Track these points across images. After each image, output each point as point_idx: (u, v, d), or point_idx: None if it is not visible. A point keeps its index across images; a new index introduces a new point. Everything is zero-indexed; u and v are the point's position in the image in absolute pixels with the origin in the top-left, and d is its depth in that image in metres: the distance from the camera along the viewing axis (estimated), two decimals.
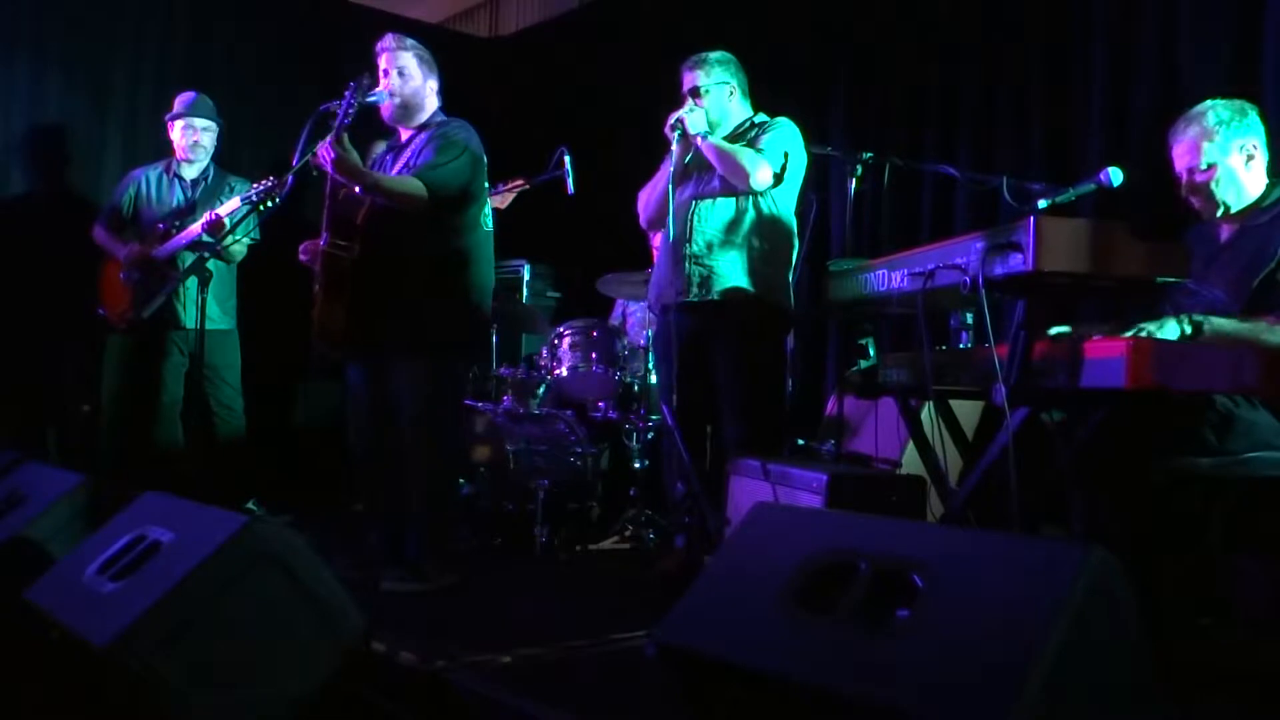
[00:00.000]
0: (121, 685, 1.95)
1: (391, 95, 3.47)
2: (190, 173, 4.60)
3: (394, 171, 3.50)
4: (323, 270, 3.38)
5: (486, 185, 3.60)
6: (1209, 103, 2.67)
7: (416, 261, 3.39)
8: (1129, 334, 2.26)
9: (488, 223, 3.59)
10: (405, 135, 3.58)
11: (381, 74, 3.49)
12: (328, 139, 3.24)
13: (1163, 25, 3.82)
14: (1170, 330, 2.31)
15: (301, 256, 3.55)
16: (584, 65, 6.26)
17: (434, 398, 3.42)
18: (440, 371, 3.44)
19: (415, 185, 3.31)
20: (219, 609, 2.03)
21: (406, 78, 3.49)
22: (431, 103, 3.57)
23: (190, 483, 4.18)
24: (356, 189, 3.34)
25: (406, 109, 3.52)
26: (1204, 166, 2.63)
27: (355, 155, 3.28)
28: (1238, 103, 2.66)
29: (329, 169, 3.25)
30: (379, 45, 3.54)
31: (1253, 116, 2.65)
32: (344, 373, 3.65)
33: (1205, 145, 2.62)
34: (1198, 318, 2.31)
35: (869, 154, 3.56)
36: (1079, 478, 2.45)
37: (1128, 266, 2.17)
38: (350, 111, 3.32)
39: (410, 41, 3.55)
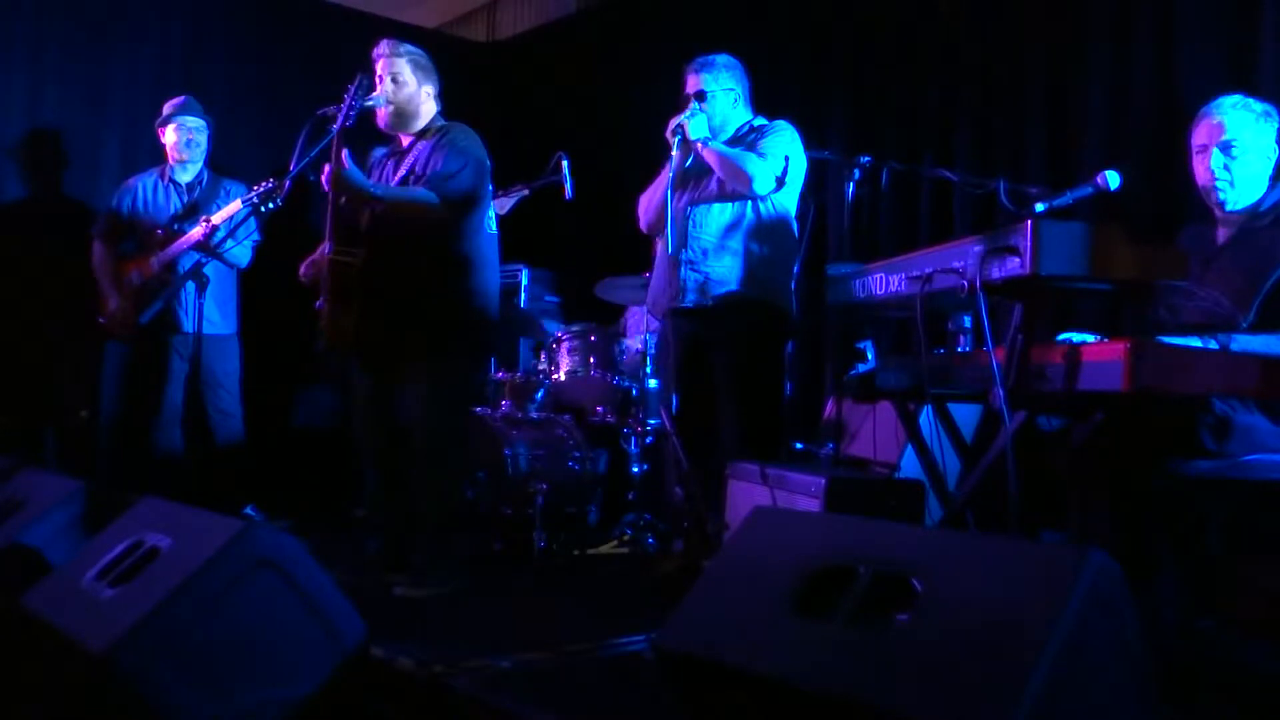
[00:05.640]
0: (119, 691, 1.95)
1: (387, 102, 3.47)
2: (185, 176, 4.61)
3: (396, 178, 3.50)
4: (330, 278, 3.36)
5: (491, 188, 3.61)
6: (1245, 96, 2.65)
7: (422, 267, 3.40)
8: None
9: (492, 226, 3.59)
10: (405, 141, 3.58)
11: (377, 80, 3.49)
12: (328, 162, 3.25)
13: (1161, 28, 3.82)
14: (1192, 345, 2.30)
15: (303, 275, 3.54)
16: (581, 69, 6.27)
17: (442, 403, 3.42)
18: (448, 377, 3.45)
19: (428, 196, 3.32)
20: (217, 614, 2.02)
21: (400, 84, 3.49)
22: (429, 108, 3.56)
23: (188, 488, 4.18)
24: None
25: (401, 116, 3.51)
26: (1236, 146, 2.59)
27: (357, 173, 3.30)
28: (1270, 106, 2.65)
29: (330, 190, 3.27)
30: (374, 52, 3.53)
31: (1276, 121, 2.65)
32: (349, 377, 3.65)
33: (1243, 127, 2.60)
34: (1223, 338, 2.30)
35: (867, 157, 3.56)
36: (1077, 481, 2.45)
37: (1125, 269, 2.18)
38: (351, 114, 3.32)
39: (406, 47, 3.54)
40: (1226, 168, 2.62)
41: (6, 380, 4.80)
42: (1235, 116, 2.61)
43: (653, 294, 3.76)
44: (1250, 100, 2.64)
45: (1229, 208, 2.65)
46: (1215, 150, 2.63)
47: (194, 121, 4.59)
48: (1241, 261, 2.57)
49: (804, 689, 1.53)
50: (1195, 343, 2.27)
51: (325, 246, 3.38)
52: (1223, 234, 2.70)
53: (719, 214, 3.51)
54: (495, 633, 2.91)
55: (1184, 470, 2.30)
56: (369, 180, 3.41)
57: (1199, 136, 2.68)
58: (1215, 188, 2.65)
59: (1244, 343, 2.30)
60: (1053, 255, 2.13)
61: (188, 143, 4.57)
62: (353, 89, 3.35)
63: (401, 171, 3.50)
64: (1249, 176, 2.61)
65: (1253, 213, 2.63)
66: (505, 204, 4.64)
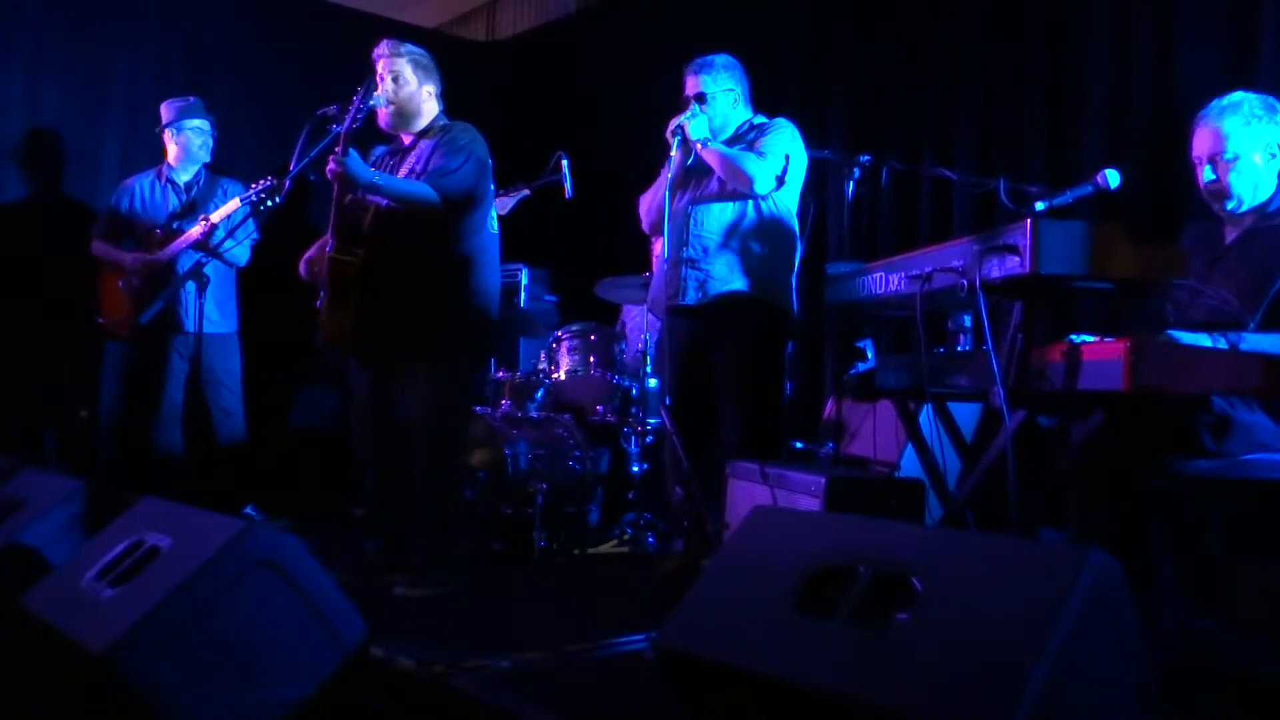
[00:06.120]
0: (119, 691, 1.95)
1: (388, 102, 3.46)
2: (183, 176, 4.61)
3: (399, 176, 3.49)
4: (329, 277, 3.36)
5: (492, 188, 3.60)
6: (1242, 94, 2.61)
7: (422, 266, 3.39)
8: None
9: (493, 225, 3.58)
10: (407, 140, 3.57)
11: (378, 80, 3.49)
12: (335, 151, 3.24)
13: (1161, 26, 3.82)
14: (1201, 343, 2.29)
15: (302, 271, 3.54)
16: (581, 69, 6.27)
17: (440, 402, 3.41)
18: (446, 376, 3.43)
19: (427, 191, 3.31)
20: (217, 614, 2.02)
21: (401, 84, 3.48)
22: (431, 108, 3.56)
23: (188, 488, 4.18)
24: (364, 194, 3.34)
25: (402, 116, 3.50)
26: (1229, 155, 2.57)
27: (358, 163, 3.28)
28: (1270, 99, 2.61)
29: (335, 181, 3.26)
30: (375, 52, 3.53)
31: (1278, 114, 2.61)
32: (347, 377, 3.65)
33: (1235, 134, 2.57)
34: (1233, 336, 2.30)
35: (867, 157, 3.56)
36: (1077, 480, 2.45)
37: (1125, 268, 2.17)
38: (358, 118, 3.32)
39: (407, 47, 3.53)
40: (1220, 179, 2.60)
41: (6, 380, 4.80)
42: (1227, 123, 2.59)
43: (653, 293, 3.77)
44: (1247, 98, 2.60)
45: (1230, 210, 2.64)
46: (1208, 165, 2.61)
47: (205, 124, 4.61)
48: (1249, 261, 2.54)
49: (804, 688, 1.53)
50: (1205, 340, 2.26)
51: (327, 244, 3.38)
52: (1230, 233, 2.67)
53: (720, 213, 3.51)
54: (495, 633, 2.91)
55: (1184, 470, 2.30)
56: (370, 169, 3.40)
57: (1194, 147, 2.66)
58: (1214, 198, 2.64)
59: (1254, 342, 2.29)
60: (1052, 254, 2.13)
61: (201, 145, 4.58)
62: (360, 93, 3.35)
63: (403, 171, 3.49)
64: (1249, 179, 2.59)
65: (1261, 211, 2.60)
66: (506, 204, 4.65)
